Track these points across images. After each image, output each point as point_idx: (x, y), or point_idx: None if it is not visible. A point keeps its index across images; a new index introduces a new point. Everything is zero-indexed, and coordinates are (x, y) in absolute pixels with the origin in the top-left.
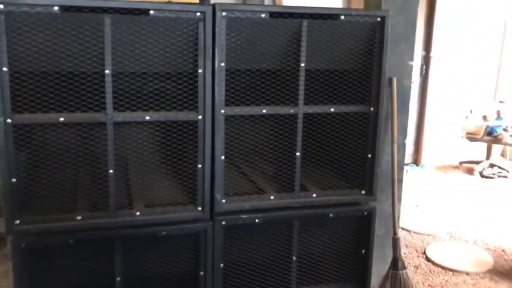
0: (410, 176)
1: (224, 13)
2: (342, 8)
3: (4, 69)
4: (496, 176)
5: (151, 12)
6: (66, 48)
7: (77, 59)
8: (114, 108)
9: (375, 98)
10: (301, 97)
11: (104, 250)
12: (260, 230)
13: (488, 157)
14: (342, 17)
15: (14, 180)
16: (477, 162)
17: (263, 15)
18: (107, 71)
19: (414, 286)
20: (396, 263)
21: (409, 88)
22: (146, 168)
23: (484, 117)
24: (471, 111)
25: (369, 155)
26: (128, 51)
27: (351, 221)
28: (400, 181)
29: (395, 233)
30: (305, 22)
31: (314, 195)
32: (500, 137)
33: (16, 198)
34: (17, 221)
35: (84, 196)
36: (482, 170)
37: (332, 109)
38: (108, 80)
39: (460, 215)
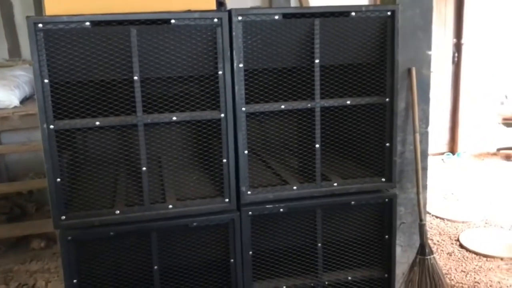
0: (447, 165)
1: (239, 18)
2: (353, 5)
3: (46, 81)
4: None
5: (172, 21)
6: (98, 59)
7: (108, 68)
8: (144, 111)
9: (389, 89)
10: (317, 91)
11: (142, 241)
12: (285, 219)
13: None
14: (353, 13)
15: (58, 180)
16: None
17: (276, 17)
18: (135, 77)
19: (441, 270)
20: (423, 249)
21: (429, 77)
22: (177, 165)
23: None
24: (506, 97)
25: (387, 144)
26: (154, 58)
27: (373, 208)
28: (425, 169)
29: (421, 219)
30: (317, 21)
31: (335, 184)
32: None
33: (61, 196)
34: (63, 217)
35: (122, 193)
36: None
37: (348, 102)
38: (137, 85)
39: (496, 202)
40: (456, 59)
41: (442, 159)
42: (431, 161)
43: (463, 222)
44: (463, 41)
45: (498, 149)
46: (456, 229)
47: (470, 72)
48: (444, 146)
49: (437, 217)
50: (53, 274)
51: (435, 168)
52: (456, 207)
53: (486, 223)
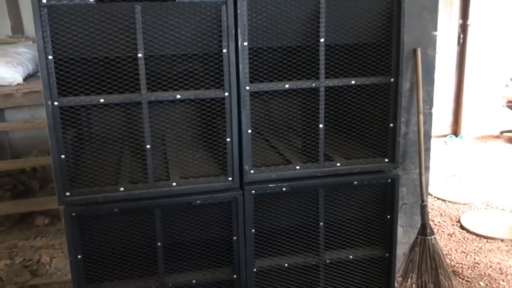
0: (449, 147)
1: None
2: None
3: (50, 57)
4: None
5: None
6: (102, 36)
7: (112, 45)
8: (148, 89)
9: (395, 69)
10: (321, 71)
11: (145, 218)
12: (288, 198)
13: None
14: None
15: (63, 156)
16: None
17: None
18: (139, 55)
19: (441, 251)
20: (424, 229)
21: (434, 58)
22: (181, 143)
23: None
24: (511, 79)
25: (391, 125)
26: (158, 36)
27: (375, 188)
28: (428, 150)
29: (422, 200)
30: None
31: (338, 164)
32: None
33: (65, 173)
34: (68, 193)
35: (126, 170)
36: None
37: (353, 82)
38: (141, 62)
39: (497, 184)
40: (461, 40)
41: (445, 141)
42: (434, 143)
43: (464, 204)
44: (469, 22)
45: (501, 132)
46: (457, 210)
47: (475, 54)
48: (447, 128)
49: (438, 198)
50: (58, 250)
51: (438, 150)
52: (457, 189)
53: (487, 205)
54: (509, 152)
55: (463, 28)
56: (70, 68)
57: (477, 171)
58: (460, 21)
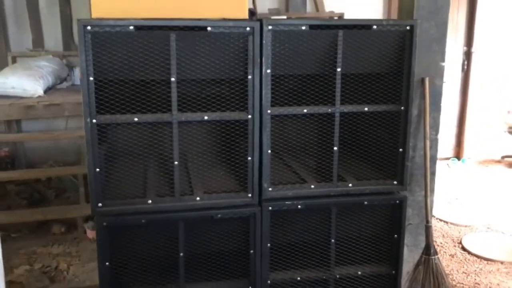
0: (452, 170)
1: (270, 27)
2: (375, 19)
3: (91, 78)
4: None
5: (209, 28)
6: (139, 60)
7: (148, 69)
8: (178, 110)
9: (405, 98)
10: (337, 98)
11: (170, 229)
12: (302, 215)
13: None
14: (375, 27)
15: (97, 170)
16: None
17: (303, 28)
18: (172, 79)
19: (444, 271)
20: (428, 249)
21: (441, 87)
22: (204, 161)
23: None
24: None
25: (401, 149)
26: (190, 62)
27: (384, 209)
28: (433, 173)
29: (427, 221)
30: (341, 32)
31: (350, 184)
32: None
33: (99, 185)
34: (100, 204)
35: (153, 184)
36: None
37: (366, 108)
38: (174, 86)
39: (498, 208)
40: (465, 66)
41: (448, 164)
42: (437, 166)
43: (466, 226)
44: (473, 49)
45: (503, 157)
46: (459, 232)
47: (478, 80)
48: (450, 151)
49: (441, 220)
50: (75, 258)
51: (441, 172)
52: (459, 211)
53: (488, 228)
54: (510, 176)
55: (468, 55)
56: (109, 89)
57: (478, 194)
58: (465, 48)
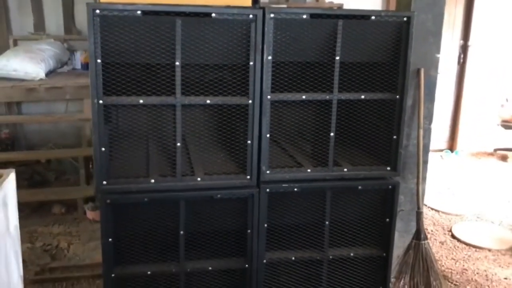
0: (445, 162)
1: (272, 15)
2: (373, 10)
3: (98, 61)
4: None
5: (213, 14)
6: (145, 44)
7: (154, 53)
8: (182, 93)
9: (400, 87)
10: (335, 85)
11: (171, 208)
12: (298, 198)
13: None
14: (373, 17)
15: (103, 149)
16: None
17: (304, 16)
18: (177, 63)
19: (433, 255)
20: (419, 234)
21: (436, 78)
22: (206, 144)
23: None
24: (507, 100)
25: (394, 137)
26: (194, 47)
27: (377, 193)
28: (426, 162)
29: (418, 207)
30: (340, 22)
31: (345, 169)
32: None
33: (104, 163)
34: (104, 182)
35: (155, 165)
36: None
37: (363, 96)
38: (178, 70)
39: (488, 198)
40: (461, 60)
41: (441, 156)
42: (431, 157)
43: (456, 215)
44: (469, 43)
45: (495, 150)
46: (450, 221)
47: (474, 74)
48: (444, 143)
49: (432, 209)
50: (75, 237)
51: (434, 163)
52: (451, 201)
53: (478, 217)
54: (501, 169)
55: (464, 49)
56: (115, 71)
57: (470, 185)
58: (461, 41)
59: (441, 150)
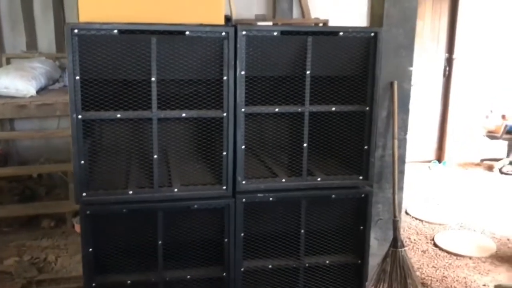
0: (432, 172)
1: (244, 32)
2: (341, 26)
3: (77, 77)
4: None
5: (187, 32)
6: (122, 61)
7: (130, 70)
8: (158, 107)
9: (370, 99)
10: (307, 98)
11: (149, 218)
12: (274, 207)
13: (508, 154)
14: (341, 33)
15: (82, 162)
16: (498, 160)
17: (275, 33)
18: (153, 79)
19: (411, 262)
20: (396, 242)
21: (409, 90)
22: (183, 155)
23: (503, 116)
24: (491, 111)
25: (366, 147)
26: (169, 63)
27: (351, 202)
28: (402, 172)
29: (395, 216)
30: (310, 38)
31: (319, 179)
32: None
33: (83, 176)
34: (84, 194)
35: (134, 177)
36: (501, 167)
37: (333, 108)
38: (154, 85)
39: (472, 208)
40: (447, 72)
41: (429, 167)
42: (418, 168)
43: (439, 224)
44: (454, 56)
45: (482, 160)
46: (433, 230)
47: (459, 86)
48: (431, 154)
49: (416, 218)
50: (63, 250)
51: (421, 174)
52: (435, 211)
53: (461, 226)
54: (487, 179)
55: (449, 62)
56: (93, 87)
57: (455, 195)
58: (446, 55)
59: (429, 161)
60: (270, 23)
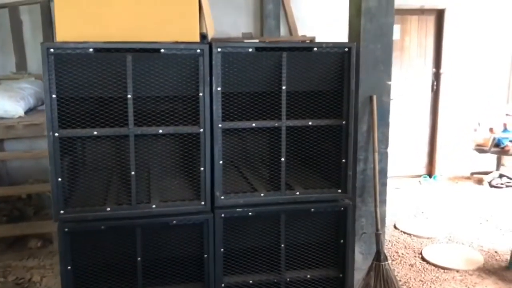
0: (422, 187)
1: (219, 49)
2: (315, 42)
3: (53, 96)
4: (504, 186)
5: (162, 50)
6: (98, 79)
7: (107, 87)
8: (135, 124)
9: (346, 113)
10: (283, 113)
11: (128, 235)
12: (253, 222)
13: (498, 167)
14: (315, 49)
15: (60, 179)
16: (488, 173)
17: (250, 50)
18: (129, 96)
19: (394, 276)
20: (379, 256)
21: (388, 104)
22: (163, 171)
23: (491, 130)
24: (479, 124)
25: (343, 160)
26: (145, 80)
27: (330, 215)
28: (384, 185)
29: (377, 229)
30: (284, 54)
31: (298, 193)
32: (507, 148)
33: (61, 193)
34: (62, 211)
35: (113, 193)
36: (491, 180)
37: (310, 122)
38: (130, 102)
39: (461, 221)
40: (435, 87)
41: (419, 181)
42: (409, 182)
43: (428, 238)
44: (441, 70)
45: (472, 173)
46: (421, 244)
47: (447, 100)
48: (422, 169)
49: (405, 232)
50: (48, 270)
51: (412, 189)
52: (423, 224)
53: (449, 239)
54: (476, 192)
55: (437, 76)
56: (70, 105)
57: (444, 208)
58: (434, 69)
59: (420, 176)
60: (257, 41)
